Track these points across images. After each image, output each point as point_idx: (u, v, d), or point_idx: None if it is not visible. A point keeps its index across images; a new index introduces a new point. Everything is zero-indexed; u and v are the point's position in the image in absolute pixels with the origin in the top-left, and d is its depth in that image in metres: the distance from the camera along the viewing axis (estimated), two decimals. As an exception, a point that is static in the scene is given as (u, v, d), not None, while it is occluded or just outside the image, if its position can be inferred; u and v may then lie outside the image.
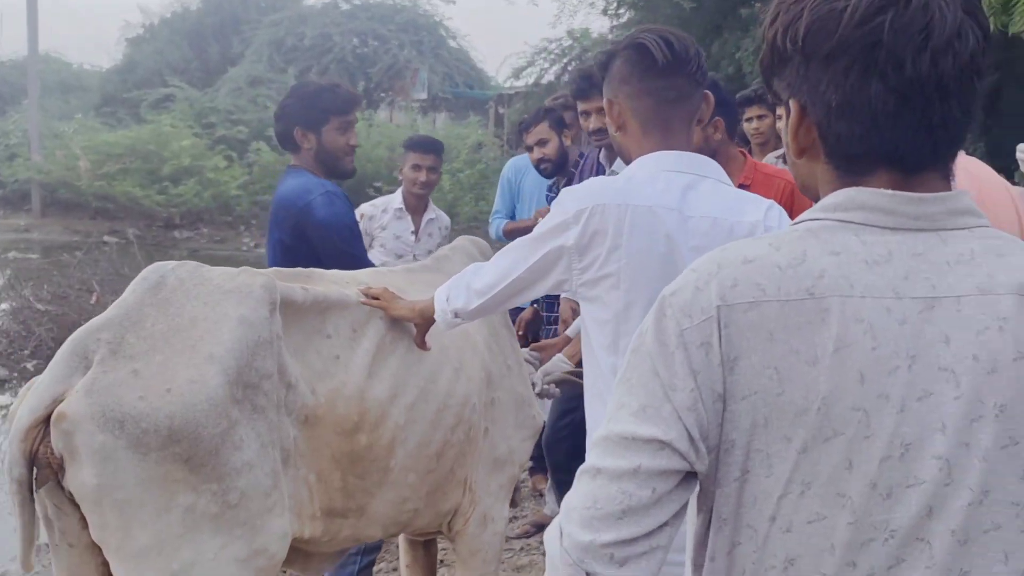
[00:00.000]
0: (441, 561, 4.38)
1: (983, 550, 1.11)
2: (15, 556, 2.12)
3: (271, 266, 3.19)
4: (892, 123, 1.13)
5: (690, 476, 1.17)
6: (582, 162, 4.30)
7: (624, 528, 1.13)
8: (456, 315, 2.36)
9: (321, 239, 3.22)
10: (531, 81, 17.46)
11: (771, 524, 1.13)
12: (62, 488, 2.03)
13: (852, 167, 1.18)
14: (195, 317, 2.15)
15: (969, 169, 2.50)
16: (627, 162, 2.20)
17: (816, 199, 1.23)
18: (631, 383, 1.17)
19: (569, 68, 19.09)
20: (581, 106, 4.00)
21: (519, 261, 2.17)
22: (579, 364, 3.34)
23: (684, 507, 1.18)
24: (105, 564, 2.10)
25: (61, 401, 1.98)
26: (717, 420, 1.13)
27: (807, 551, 1.13)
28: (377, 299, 2.54)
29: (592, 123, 3.94)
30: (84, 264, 10.76)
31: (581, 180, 4.15)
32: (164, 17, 29.21)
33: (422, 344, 2.57)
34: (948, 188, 1.18)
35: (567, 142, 4.76)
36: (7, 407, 7.80)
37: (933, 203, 1.15)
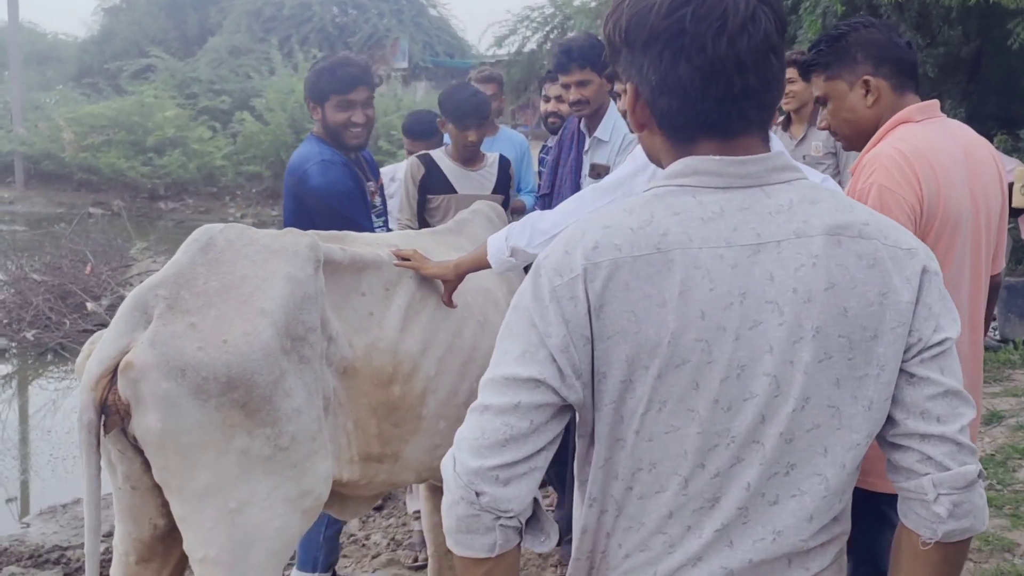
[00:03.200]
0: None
1: (806, 446, 1.35)
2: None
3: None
4: (701, 96, 1.33)
5: (564, 409, 1.37)
6: (562, 130, 4.45)
7: (507, 453, 1.33)
8: (512, 253, 2.56)
9: (317, 206, 3.44)
10: (513, 50, 17.40)
11: (636, 436, 1.35)
12: (126, 434, 2.18)
13: (679, 136, 1.39)
14: (245, 275, 2.30)
15: (953, 131, 2.56)
16: None
17: (660, 166, 1.45)
18: (513, 333, 1.37)
19: (551, 36, 19.14)
20: (562, 79, 4.14)
21: (587, 205, 2.37)
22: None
23: (558, 436, 1.38)
24: (164, 505, 2.25)
25: (127, 352, 2.13)
26: (587, 359, 1.33)
27: (666, 456, 1.35)
28: (407, 260, 2.71)
29: (572, 94, 4.10)
30: (74, 235, 10.82)
31: (561, 148, 4.31)
32: (142, -14, 28.97)
33: (449, 301, 2.75)
34: (767, 150, 1.39)
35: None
36: (7, 376, 7.92)
37: (754, 163, 1.37)
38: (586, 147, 4.26)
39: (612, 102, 4.28)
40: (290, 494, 2.29)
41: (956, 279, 2.44)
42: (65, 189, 18.76)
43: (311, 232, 2.57)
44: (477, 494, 1.33)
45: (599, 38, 4.42)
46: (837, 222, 1.35)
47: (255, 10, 25.37)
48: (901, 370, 1.37)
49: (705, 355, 1.31)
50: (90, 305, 8.76)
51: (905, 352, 1.37)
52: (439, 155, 4.37)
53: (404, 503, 4.75)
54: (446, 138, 4.56)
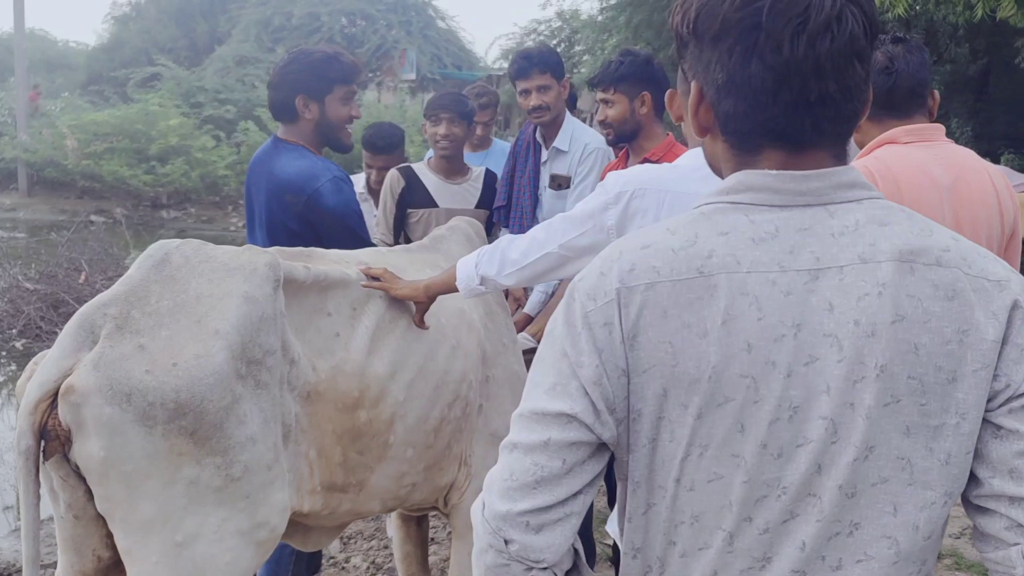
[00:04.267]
0: (432, 539, 4.44)
1: (871, 502, 1.19)
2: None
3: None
4: (771, 100, 1.19)
5: (601, 448, 1.24)
6: (518, 138, 4.36)
7: (539, 497, 1.21)
8: (482, 282, 2.44)
9: (330, 228, 3.15)
10: (519, 62, 17.35)
11: (677, 484, 1.22)
12: (68, 461, 2.06)
13: (743, 144, 1.25)
14: (200, 293, 2.19)
15: (945, 155, 2.50)
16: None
17: (721, 176, 1.31)
18: (544, 363, 1.25)
19: (559, 49, 19.12)
20: (521, 84, 4.08)
21: (556, 236, 2.27)
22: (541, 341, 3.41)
23: (598, 477, 1.26)
24: (109, 536, 2.13)
25: (69, 375, 2.02)
26: (623, 393, 1.20)
27: (709, 507, 1.21)
28: (378, 279, 2.58)
29: (532, 100, 4.05)
30: (72, 243, 10.74)
31: (516, 158, 4.21)
32: (151, -5, 29.08)
33: (421, 323, 2.62)
34: (839, 164, 1.24)
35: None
36: (-3, 386, 7.81)
37: (818, 179, 1.22)
38: (544, 157, 4.17)
39: (567, 111, 4.22)
40: (242, 526, 2.16)
41: None
42: (68, 197, 18.72)
43: (272, 249, 2.45)
44: (506, 542, 1.22)
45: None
46: (910, 247, 1.19)
47: (264, 20, 25.42)
48: (985, 420, 1.20)
49: (752, 393, 1.17)
50: (82, 315, 8.63)
51: (990, 400, 1.19)
52: (420, 168, 4.26)
53: (385, 525, 4.63)
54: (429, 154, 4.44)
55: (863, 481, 1.18)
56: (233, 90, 21.66)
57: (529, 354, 3.27)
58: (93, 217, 16.43)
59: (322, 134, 3.30)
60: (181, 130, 18.75)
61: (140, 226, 16.10)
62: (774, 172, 1.22)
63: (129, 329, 2.09)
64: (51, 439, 2.03)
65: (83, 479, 2.07)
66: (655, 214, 2.11)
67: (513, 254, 2.37)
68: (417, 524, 3.32)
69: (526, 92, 4.06)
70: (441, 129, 4.12)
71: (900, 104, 2.54)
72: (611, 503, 4.33)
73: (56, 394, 2.01)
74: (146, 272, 2.21)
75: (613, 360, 1.20)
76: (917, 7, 7.42)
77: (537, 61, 4.03)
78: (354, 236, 3.16)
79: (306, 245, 2.82)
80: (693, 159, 2.20)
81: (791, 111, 1.20)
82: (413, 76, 25.33)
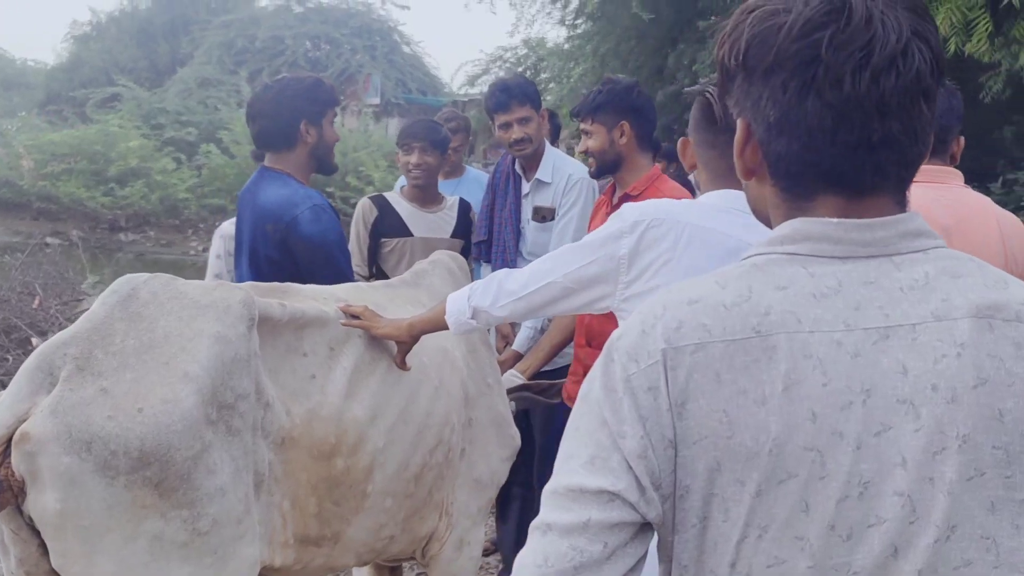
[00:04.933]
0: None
1: None
2: None
3: (255, 277, 3.07)
4: (829, 140, 1.09)
5: (645, 528, 1.12)
6: (495, 171, 4.25)
7: None
8: (474, 315, 2.31)
9: (307, 256, 3.06)
10: (486, 89, 17.33)
11: (731, 570, 1.09)
12: (21, 513, 1.91)
13: (795, 188, 1.14)
14: (169, 332, 2.04)
15: (948, 199, 2.50)
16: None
17: (768, 224, 1.21)
18: (579, 432, 1.12)
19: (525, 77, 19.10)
20: (501, 118, 3.97)
21: (560, 266, 2.17)
22: (532, 378, 3.31)
23: (641, 561, 1.13)
24: (65, 594, 1.98)
25: (25, 420, 1.86)
26: (670, 467, 1.08)
27: None
28: (358, 318, 2.45)
29: (515, 133, 3.95)
30: (26, 266, 10.48)
31: (495, 191, 4.12)
32: (112, 15, 28.80)
33: (402, 364, 2.48)
34: (902, 212, 1.14)
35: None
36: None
37: (882, 227, 1.11)
38: (525, 190, 4.06)
39: (547, 141, 4.12)
40: (209, 584, 2.01)
41: None
42: (23, 218, 18.34)
43: (245, 284, 2.31)
44: None
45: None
46: (988, 301, 1.08)
47: (227, 42, 25.18)
48: None
49: (817, 468, 1.05)
50: (35, 341, 8.39)
51: None
52: (394, 196, 4.17)
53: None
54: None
55: (945, 564, 1.05)
56: (195, 112, 21.41)
57: (516, 391, 3.14)
58: (49, 239, 16.09)
59: (318, 158, 3.24)
60: (141, 152, 18.49)
61: (97, 249, 15.76)
62: (835, 220, 1.11)
63: (91, 371, 1.95)
64: (3, 490, 1.87)
65: (37, 533, 1.92)
66: (672, 246, 2.03)
67: (511, 285, 2.24)
68: (391, 573, 3.17)
69: (507, 125, 3.96)
70: (414, 158, 4.04)
71: None
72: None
73: (9, 441, 1.86)
74: (111, 308, 2.06)
75: (659, 430, 1.07)
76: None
77: (516, 93, 3.94)
78: (333, 267, 3.05)
79: (286, 275, 2.72)
80: (717, 199, 2.13)
81: (851, 153, 1.09)
82: (377, 101, 25.19)
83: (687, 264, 2.01)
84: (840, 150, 1.09)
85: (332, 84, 3.30)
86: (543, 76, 18.47)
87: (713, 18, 10.56)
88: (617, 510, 1.08)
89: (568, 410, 3.48)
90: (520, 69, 19.07)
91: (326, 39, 25.96)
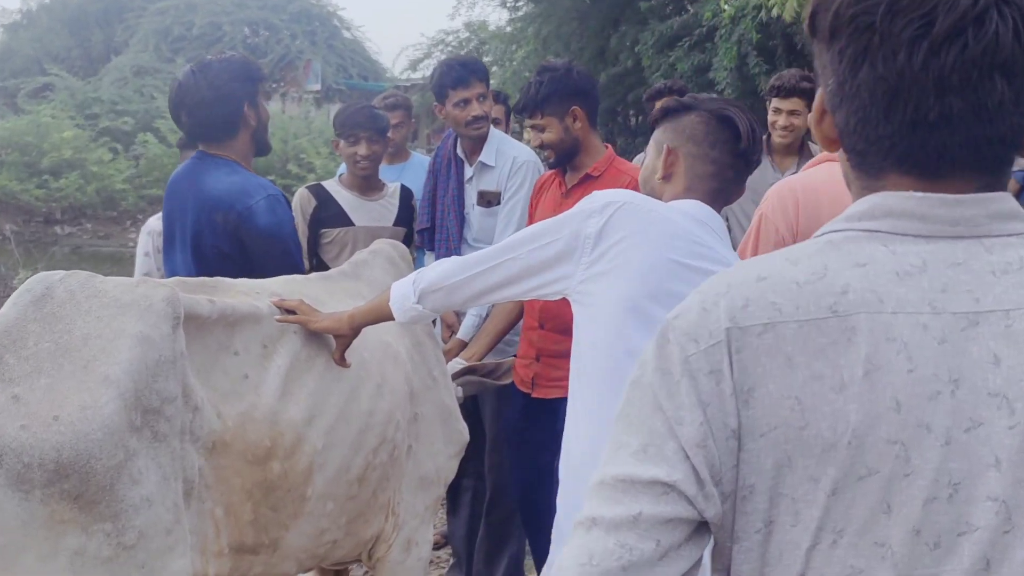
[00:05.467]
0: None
1: None
2: None
3: (200, 269, 2.90)
4: (882, 116, 0.99)
5: (701, 528, 1.01)
6: (435, 155, 4.12)
7: None
8: (420, 299, 2.21)
9: (262, 248, 2.90)
10: (428, 74, 17.18)
11: None
12: (-71, 533, 1.77)
13: (863, 164, 1.05)
14: (87, 334, 1.90)
15: None
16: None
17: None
18: (630, 419, 1.02)
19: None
20: (460, 94, 3.81)
21: (523, 242, 2.12)
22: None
23: (696, 566, 1.01)
24: (-20, 617, 1.84)
25: (-73, 433, 1.72)
26: (731, 461, 0.98)
27: None
28: (293, 312, 2.32)
29: (474, 110, 3.80)
30: (-43, 262, 10.15)
31: (436, 176, 4.00)
32: (43, 2, 28.00)
33: (341, 360, 2.36)
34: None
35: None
36: None
37: (972, 205, 1.00)
38: (468, 175, 3.93)
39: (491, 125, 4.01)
40: (138, 601, 1.88)
41: None
42: (-46, 213, 17.82)
43: (171, 280, 2.18)
44: None
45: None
46: None
47: (163, 29, 24.65)
48: None
49: (901, 464, 0.94)
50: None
51: None
52: (332, 185, 4.04)
53: None
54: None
55: None
56: (131, 101, 20.89)
57: (461, 375, 3.04)
58: (-19, 234, 15.66)
59: (258, 140, 3.08)
60: (75, 143, 17.98)
61: (31, 243, 15.34)
62: (919, 195, 1.00)
63: (2, 377, 1.82)
64: (-94, 510, 1.73)
65: (-53, 554, 1.77)
66: (637, 229, 2.00)
67: (458, 267, 2.17)
68: None
69: (466, 101, 3.79)
70: (362, 149, 3.92)
71: None
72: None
73: (-89, 456, 1.72)
74: (23, 309, 1.92)
75: (721, 417, 0.97)
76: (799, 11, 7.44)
77: (474, 68, 3.83)
78: (287, 259, 2.91)
79: (235, 267, 2.61)
80: (691, 208, 2.13)
81: (909, 131, 0.99)
82: (318, 87, 24.85)
83: (650, 241, 1.99)
84: (897, 128, 0.99)
85: (254, 61, 3.18)
86: (486, 60, 18.36)
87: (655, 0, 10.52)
88: (672, 504, 0.97)
89: (520, 395, 3.41)
90: (462, 53, 18.93)
91: (264, 25, 25.55)
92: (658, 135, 2.23)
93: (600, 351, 2.03)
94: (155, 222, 4.22)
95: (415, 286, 2.22)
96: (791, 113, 4.47)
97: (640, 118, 11.36)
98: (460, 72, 3.80)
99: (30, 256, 13.02)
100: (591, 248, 2.01)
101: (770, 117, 4.56)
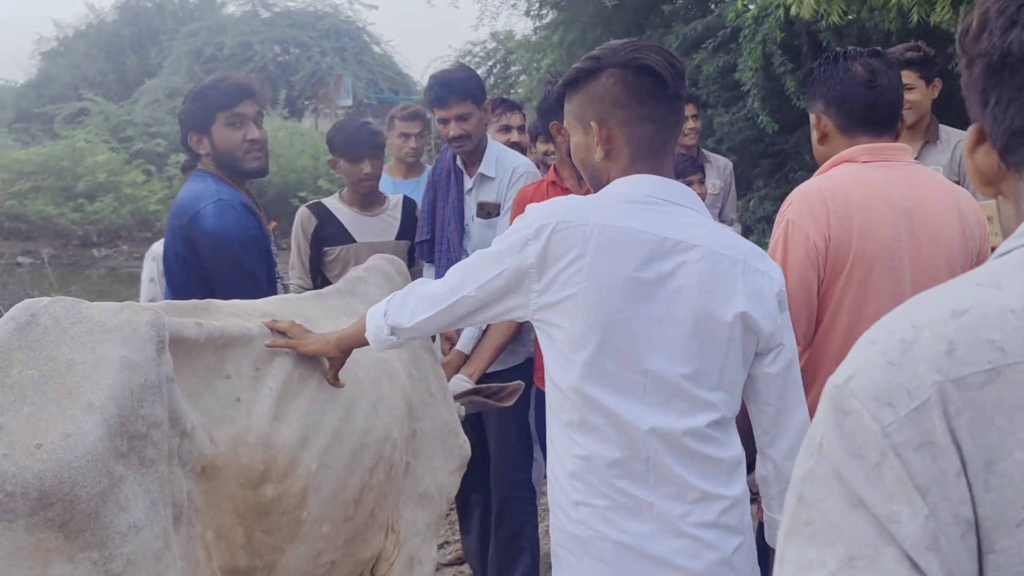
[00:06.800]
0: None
1: None
2: None
3: (168, 278, 2.99)
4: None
5: None
6: (435, 167, 4.08)
7: None
8: (393, 332, 2.15)
9: (210, 252, 2.95)
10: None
11: None
12: (-87, 564, 1.76)
13: None
14: (72, 360, 1.89)
15: (905, 176, 2.43)
16: (598, 186, 2.03)
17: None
18: (815, 528, 0.78)
19: (494, 71, 18.96)
20: (440, 114, 3.78)
21: (471, 278, 1.99)
22: (479, 381, 3.18)
23: None
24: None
25: (-91, 464, 1.72)
26: (971, 565, 0.75)
27: None
28: (284, 334, 2.30)
29: (452, 130, 3.76)
30: (-7, 287, 10.29)
31: (436, 188, 3.96)
32: (79, 29, 28.50)
33: (335, 381, 2.33)
34: None
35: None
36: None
37: None
38: (468, 185, 3.89)
39: (488, 136, 3.97)
40: (127, 630, 1.86)
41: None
42: (-7, 238, 18.09)
43: (160, 303, 2.17)
44: None
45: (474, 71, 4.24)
46: None
47: (195, 50, 24.96)
48: None
49: None
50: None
51: None
52: (333, 202, 4.03)
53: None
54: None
55: None
56: (164, 123, 21.15)
57: (465, 396, 3.00)
58: (20, 259, 15.89)
59: (222, 166, 3.11)
60: (109, 166, 18.24)
61: (69, 266, 15.57)
62: None
63: (-16, 406, 1.80)
64: None
65: (-69, 586, 1.77)
66: (581, 252, 1.84)
67: (424, 301, 2.08)
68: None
69: (445, 121, 3.77)
70: (366, 167, 3.91)
71: (880, 121, 2.45)
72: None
73: None
74: (7, 337, 1.91)
75: (949, 507, 0.74)
76: (850, 15, 7.32)
77: (456, 88, 3.74)
78: (236, 265, 2.95)
79: (193, 272, 2.65)
80: (631, 187, 1.94)
81: None
82: (350, 102, 25.00)
83: (600, 270, 1.84)
84: None
85: (236, 84, 3.13)
86: (513, 69, 18.36)
87: (679, 1, 10.44)
88: None
89: (525, 402, 3.36)
90: (489, 63, 18.94)
91: (295, 43, 25.78)
92: (575, 110, 2.00)
93: (558, 391, 1.93)
94: (159, 248, 4.25)
95: (386, 319, 2.16)
96: (905, 89, 4.21)
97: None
98: (439, 92, 3.76)
99: (67, 279, 13.19)
100: (537, 277, 1.88)
101: None
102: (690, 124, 5.20)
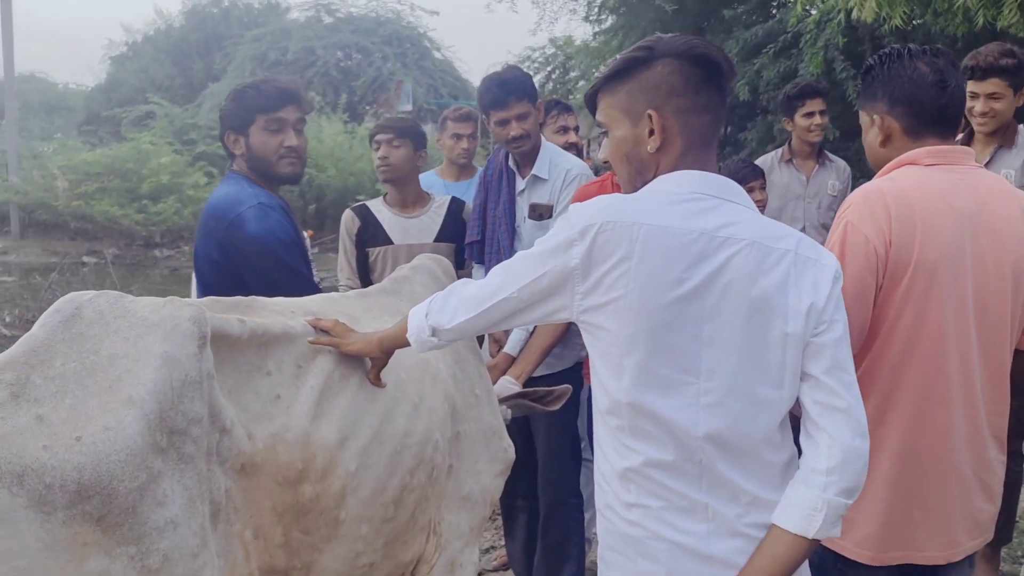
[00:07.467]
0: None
1: None
2: None
3: (199, 281, 2.96)
4: None
5: None
6: (487, 168, 4.05)
7: None
8: (434, 333, 2.12)
9: (254, 256, 2.91)
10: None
11: None
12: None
13: None
14: (114, 354, 1.89)
15: (970, 180, 2.35)
16: (642, 182, 1.97)
17: None
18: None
19: (553, 76, 18.94)
20: (499, 115, 3.75)
21: (513, 280, 1.94)
22: (526, 385, 3.14)
23: None
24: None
25: (-49, 454, 1.72)
26: None
27: None
28: (328, 332, 2.28)
29: (513, 130, 3.74)
30: (57, 287, 10.51)
31: (487, 189, 3.93)
32: (147, 34, 29.10)
33: (376, 381, 2.31)
34: None
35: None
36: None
37: None
38: (521, 187, 3.86)
39: (542, 136, 3.94)
40: (162, 627, 1.85)
41: (936, 342, 2.26)
42: (61, 238, 18.43)
43: (205, 300, 2.16)
44: None
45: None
46: None
47: (259, 55, 25.28)
48: None
49: None
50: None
51: None
52: (376, 204, 4.05)
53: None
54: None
55: None
56: (227, 126, 21.46)
57: (512, 400, 2.97)
58: (85, 258, 16.19)
59: (254, 168, 3.09)
60: (173, 168, 18.51)
61: (132, 266, 15.82)
62: None
63: (26, 397, 1.80)
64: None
65: (-29, 577, 1.77)
66: (627, 254, 1.79)
67: (466, 302, 2.04)
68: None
69: (504, 122, 3.75)
70: (380, 152, 3.93)
71: (948, 123, 2.38)
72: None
73: (-65, 477, 1.72)
74: (51, 330, 1.92)
75: None
76: (915, 20, 7.18)
77: (514, 88, 3.72)
78: (283, 265, 2.91)
79: (229, 277, 2.62)
80: (673, 185, 1.89)
81: None
82: (410, 107, 25.13)
83: (647, 271, 1.78)
84: None
85: (280, 87, 3.10)
86: (572, 75, 18.31)
87: (740, 7, 10.33)
88: None
89: (573, 406, 3.31)
90: (548, 69, 18.91)
91: (357, 48, 25.98)
92: (622, 101, 1.95)
93: (607, 395, 1.88)
94: None
95: (427, 320, 2.13)
96: (991, 97, 3.89)
97: (727, 128, 11.15)
98: (497, 93, 3.73)
99: (130, 279, 13.41)
100: (582, 278, 1.84)
101: (967, 103, 3.86)
102: (817, 120, 5.02)
